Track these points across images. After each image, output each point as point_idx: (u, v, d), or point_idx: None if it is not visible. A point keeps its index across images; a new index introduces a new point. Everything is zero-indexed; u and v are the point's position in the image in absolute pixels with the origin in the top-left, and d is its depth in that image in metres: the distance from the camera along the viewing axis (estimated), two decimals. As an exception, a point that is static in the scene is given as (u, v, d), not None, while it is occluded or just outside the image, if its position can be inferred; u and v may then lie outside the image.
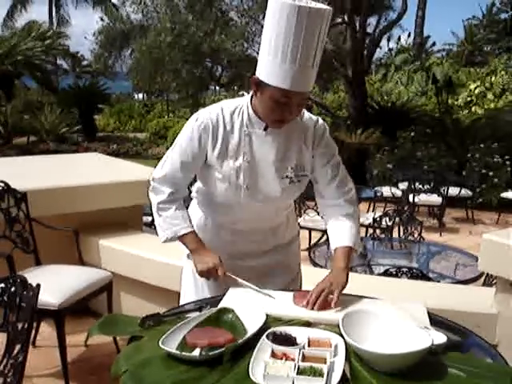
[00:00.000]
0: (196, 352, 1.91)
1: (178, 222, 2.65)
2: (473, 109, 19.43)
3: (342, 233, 2.61)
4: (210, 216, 2.79)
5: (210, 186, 2.67)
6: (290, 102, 2.36)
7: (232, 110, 2.57)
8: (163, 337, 1.98)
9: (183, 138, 2.59)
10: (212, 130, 2.53)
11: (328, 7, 2.30)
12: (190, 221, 2.69)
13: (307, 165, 2.61)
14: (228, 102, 2.63)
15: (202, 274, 2.58)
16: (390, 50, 33.90)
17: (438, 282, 4.79)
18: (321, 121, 2.66)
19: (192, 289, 2.83)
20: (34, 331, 4.32)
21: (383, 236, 6.11)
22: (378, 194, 9.72)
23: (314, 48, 2.30)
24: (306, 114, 2.62)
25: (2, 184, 4.40)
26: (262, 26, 2.38)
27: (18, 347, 2.51)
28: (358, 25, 15.42)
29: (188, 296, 2.83)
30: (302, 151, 2.58)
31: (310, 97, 2.49)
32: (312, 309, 2.32)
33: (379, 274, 4.37)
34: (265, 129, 2.52)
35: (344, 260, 2.54)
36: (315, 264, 5.09)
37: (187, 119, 2.65)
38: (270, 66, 2.34)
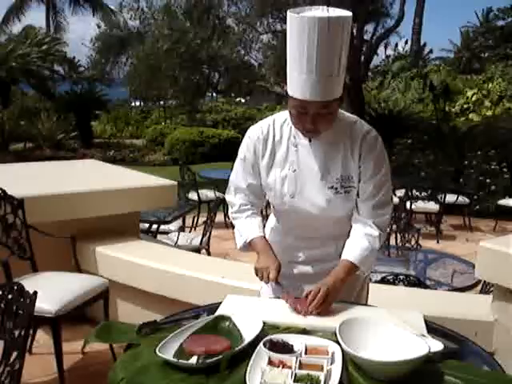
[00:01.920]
0: (193, 360, 1.91)
1: (246, 230, 2.75)
2: (470, 116, 19.50)
3: (354, 249, 2.58)
4: (277, 221, 2.86)
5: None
6: (308, 112, 2.38)
7: (282, 120, 2.65)
8: (160, 344, 1.98)
9: (241, 149, 2.73)
10: (263, 141, 2.64)
11: (347, 14, 2.29)
12: (261, 227, 2.77)
13: (354, 176, 2.57)
14: (282, 113, 2.70)
15: (256, 271, 2.66)
16: (388, 57, 34.04)
17: (435, 289, 4.80)
18: (373, 133, 2.58)
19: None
20: (30, 338, 4.31)
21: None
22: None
23: (331, 57, 2.29)
24: (359, 124, 2.59)
25: (-1, 191, 4.40)
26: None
27: (14, 354, 2.51)
28: (355, 32, 15.45)
29: (265, 291, 2.85)
30: (348, 162, 2.55)
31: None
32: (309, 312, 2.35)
33: (376, 282, 4.36)
34: (310, 139, 2.55)
35: (344, 272, 2.53)
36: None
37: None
38: (290, 77, 2.40)
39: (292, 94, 2.39)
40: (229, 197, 2.84)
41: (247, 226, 2.75)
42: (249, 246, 2.75)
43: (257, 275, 2.65)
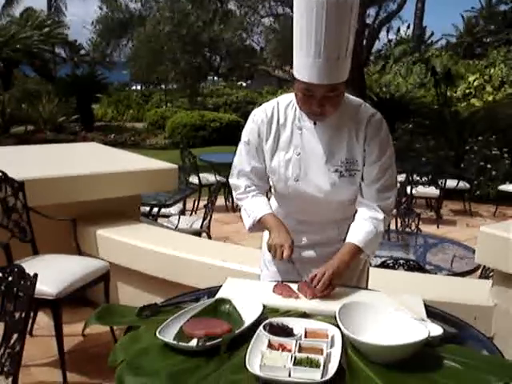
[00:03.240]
0: (193, 342, 1.92)
1: (254, 209, 2.72)
2: (471, 101, 19.39)
3: (359, 232, 2.57)
4: (278, 205, 2.85)
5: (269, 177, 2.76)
6: (314, 95, 2.37)
7: (287, 103, 2.64)
8: (160, 327, 1.98)
9: (245, 131, 2.72)
10: (267, 123, 2.62)
11: None
12: (268, 204, 2.75)
13: (359, 159, 2.56)
14: (286, 95, 2.69)
15: (269, 247, 2.61)
16: (390, 41, 33.88)
17: (435, 274, 4.80)
18: (378, 116, 2.58)
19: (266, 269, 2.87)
20: (31, 321, 4.32)
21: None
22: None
23: (339, 40, 2.28)
24: (363, 108, 2.59)
25: (0, 173, 4.40)
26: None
27: (15, 337, 2.52)
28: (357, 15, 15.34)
29: (265, 274, 2.87)
30: (353, 145, 2.54)
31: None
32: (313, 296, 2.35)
33: (376, 266, 4.36)
34: (314, 122, 2.54)
35: (349, 255, 2.52)
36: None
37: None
38: (297, 60, 2.37)
39: (299, 77, 2.37)
40: (232, 180, 2.82)
41: (254, 205, 2.72)
42: (258, 225, 2.72)
43: (269, 251, 2.62)
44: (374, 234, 2.58)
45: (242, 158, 2.74)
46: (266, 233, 2.78)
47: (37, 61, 25.64)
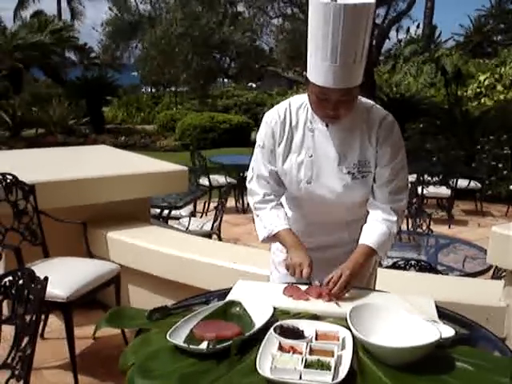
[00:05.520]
0: (203, 345, 1.91)
1: (272, 221, 2.69)
2: (482, 100, 19.29)
3: (373, 233, 2.57)
4: (288, 207, 2.83)
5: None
6: (329, 99, 2.36)
7: (298, 105, 2.63)
8: (171, 329, 1.98)
9: (260, 135, 2.70)
10: (280, 124, 2.61)
11: (370, 0, 2.26)
12: (286, 218, 2.72)
13: (371, 161, 2.55)
14: (297, 97, 2.68)
15: (287, 267, 2.61)
16: (399, 41, 33.73)
17: (447, 274, 4.78)
18: (390, 118, 2.57)
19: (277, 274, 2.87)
20: (42, 323, 4.34)
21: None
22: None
23: (355, 44, 2.27)
24: (375, 109, 2.58)
25: (10, 176, 4.41)
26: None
27: (26, 340, 2.52)
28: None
29: (275, 276, 2.86)
30: (365, 147, 2.53)
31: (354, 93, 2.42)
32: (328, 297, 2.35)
33: (387, 267, 4.35)
34: (327, 124, 2.53)
35: (363, 257, 2.52)
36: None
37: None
38: (312, 64, 2.37)
39: (314, 80, 2.36)
40: (251, 185, 2.79)
41: (272, 218, 2.69)
42: (272, 238, 2.71)
43: (287, 270, 2.61)
44: (387, 235, 2.57)
45: (258, 163, 2.72)
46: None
47: (47, 64, 25.72)
